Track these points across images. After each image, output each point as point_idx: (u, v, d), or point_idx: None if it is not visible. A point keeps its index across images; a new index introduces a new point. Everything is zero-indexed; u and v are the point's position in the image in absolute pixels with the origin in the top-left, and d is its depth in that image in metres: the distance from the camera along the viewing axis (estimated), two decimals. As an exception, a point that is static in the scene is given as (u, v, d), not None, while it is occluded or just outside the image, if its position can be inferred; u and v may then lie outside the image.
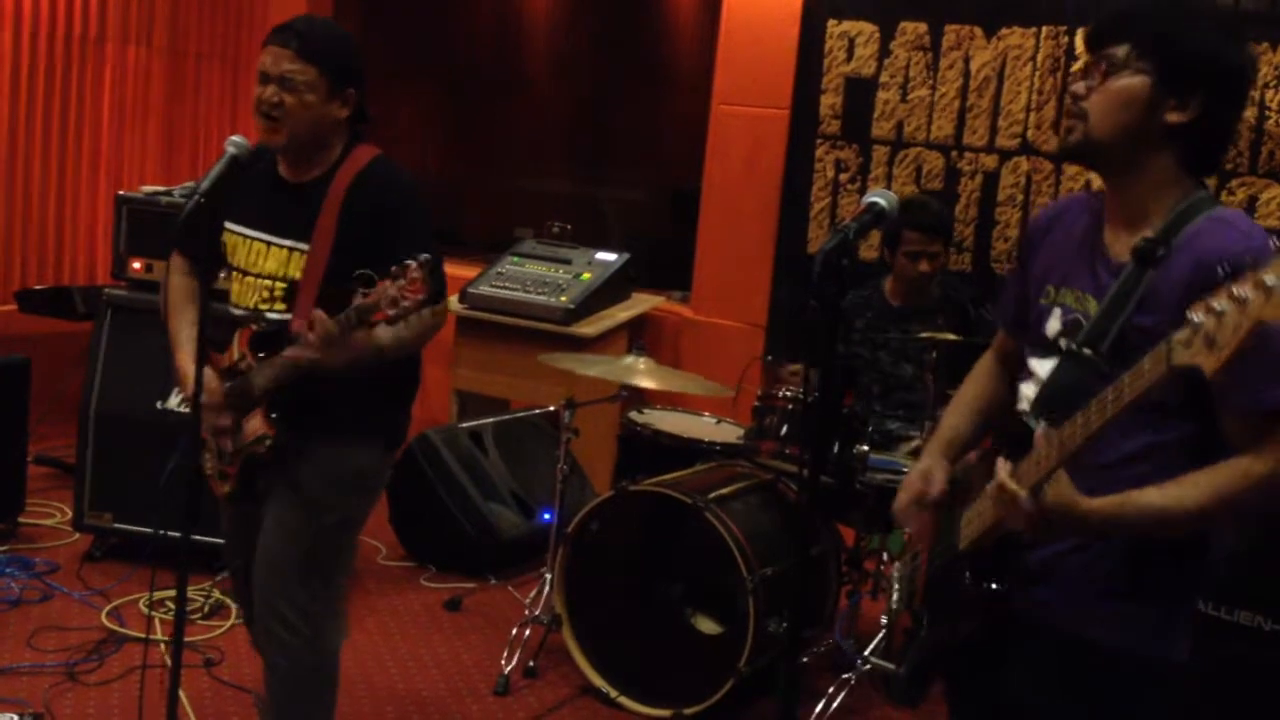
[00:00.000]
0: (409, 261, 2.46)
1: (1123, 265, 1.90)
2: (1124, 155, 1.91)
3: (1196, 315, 1.48)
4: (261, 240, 2.81)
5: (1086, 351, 1.85)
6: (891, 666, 3.73)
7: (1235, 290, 1.45)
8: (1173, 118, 1.88)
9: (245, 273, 2.83)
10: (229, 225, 2.86)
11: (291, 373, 2.71)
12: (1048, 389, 1.90)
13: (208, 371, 2.83)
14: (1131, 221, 1.93)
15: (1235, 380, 1.73)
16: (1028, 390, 1.96)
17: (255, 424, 2.80)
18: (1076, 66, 2.03)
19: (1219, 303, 1.46)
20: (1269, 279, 1.41)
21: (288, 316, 2.76)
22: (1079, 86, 1.93)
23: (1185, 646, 1.97)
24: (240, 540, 3.01)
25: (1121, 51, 1.89)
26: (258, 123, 2.78)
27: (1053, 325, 1.98)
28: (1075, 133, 1.94)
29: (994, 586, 1.96)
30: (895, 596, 2.22)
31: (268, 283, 2.80)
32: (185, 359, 2.87)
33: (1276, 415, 1.77)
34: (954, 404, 2.30)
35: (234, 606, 4.13)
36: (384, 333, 2.63)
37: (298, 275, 2.76)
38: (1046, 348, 1.96)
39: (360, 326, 2.55)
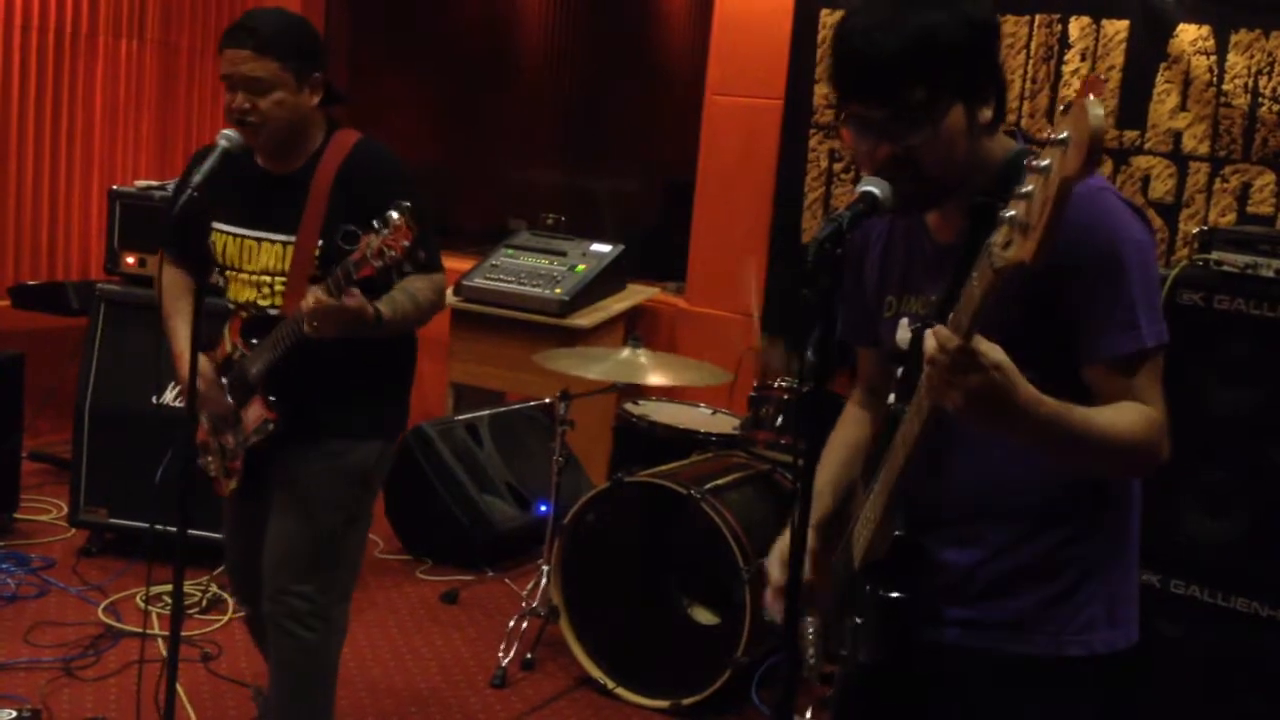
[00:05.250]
0: (391, 213, 2.41)
1: (953, 245, 1.82)
2: (961, 171, 1.79)
3: (1008, 211, 1.40)
4: (252, 238, 2.79)
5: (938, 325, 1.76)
6: None
7: (1034, 163, 1.36)
8: (986, 115, 1.77)
9: (238, 270, 2.81)
10: (216, 226, 2.82)
11: (287, 351, 2.68)
12: (907, 370, 1.79)
13: (205, 362, 2.83)
14: (954, 201, 1.81)
15: (1088, 330, 1.70)
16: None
17: (256, 411, 2.79)
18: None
19: (1024, 186, 1.37)
20: (1061, 134, 1.32)
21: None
22: (887, 150, 1.74)
23: (1132, 631, 1.89)
24: (241, 539, 3.01)
25: (920, 94, 1.70)
26: (234, 128, 2.72)
27: (902, 335, 1.90)
28: (924, 187, 1.77)
29: (895, 595, 1.85)
30: (811, 653, 2.10)
31: (267, 279, 2.78)
32: (183, 351, 2.86)
33: (1137, 357, 1.71)
34: (819, 468, 2.09)
35: (230, 601, 4.13)
36: (382, 304, 2.59)
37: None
38: (903, 359, 1.87)
39: (350, 284, 2.48)
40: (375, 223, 2.42)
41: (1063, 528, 1.84)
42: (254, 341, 2.77)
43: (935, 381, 1.53)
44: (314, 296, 2.50)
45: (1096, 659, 1.86)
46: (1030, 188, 1.37)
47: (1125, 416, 1.69)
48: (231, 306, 2.85)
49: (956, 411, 1.55)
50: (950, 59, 1.70)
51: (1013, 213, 1.39)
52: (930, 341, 1.52)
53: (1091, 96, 1.31)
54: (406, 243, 2.40)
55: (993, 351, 1.51)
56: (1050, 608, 1.85)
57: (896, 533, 1.84)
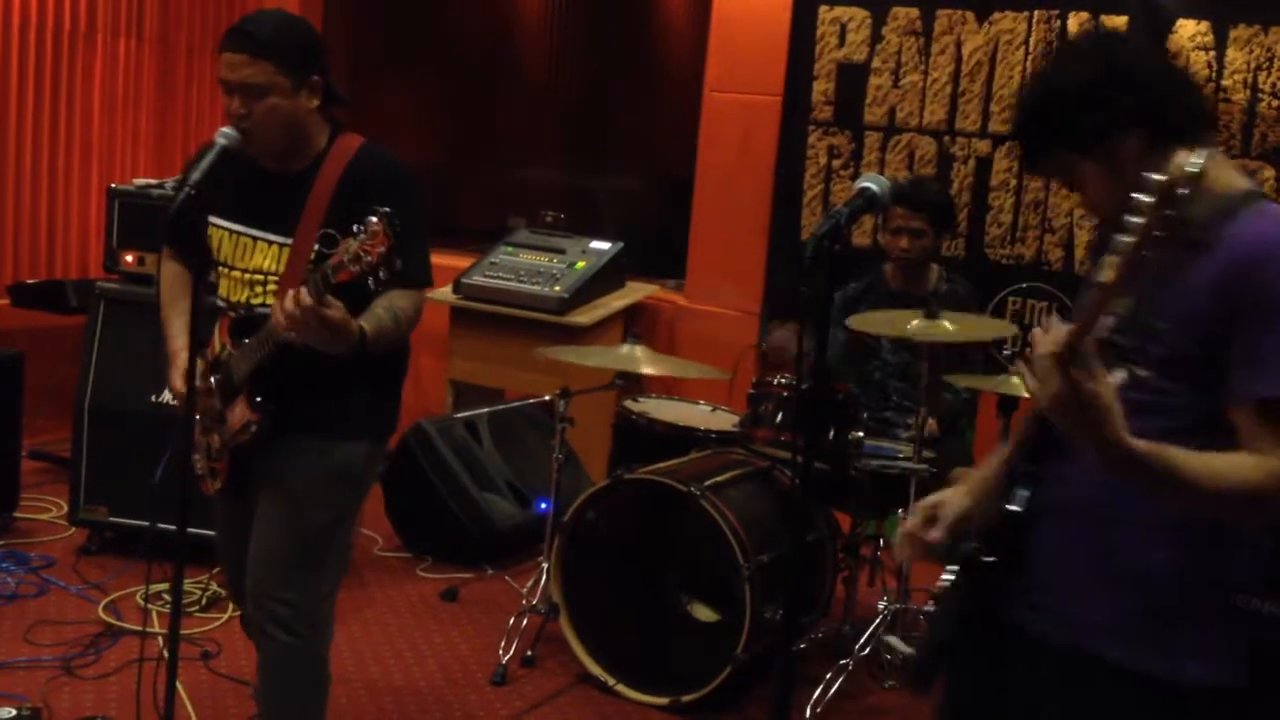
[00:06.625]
0: (370, 218, 2.40)
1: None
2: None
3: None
4: (248, 235, 2.77)
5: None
6: (906, 648, 3.61)
7: None
8: (1130, 146, 1.81)
9: (232, 268, 2.80)
10: (213, 220, 2.81)
11: (271, 352, 2.67)
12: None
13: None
14: None
15: (1237, 369, 1.68)
16: None
17: (240, 411, 2.79)
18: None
19: None
20: None
21: None
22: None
23: (1240, 669, 1.79)
24: (232, 538, 3.00)
25: (1047, 156, 1.91)
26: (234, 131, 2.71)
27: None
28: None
29: (988, 559, 1.91)
30: (898, 544, 2.07)
31: (260, 278, 2.76)
32: (178, 348, 2.85)
33: (1276, 404, 1.68)
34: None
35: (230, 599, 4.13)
36: (366, 320, 2.58)
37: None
38: None
39: (330, 287, 2.46)
40: (355, 227, 2.42)
41: (1180, 548, 1.80)
42: (242, 341, 2.76)
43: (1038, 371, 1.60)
44: (295, 297, 2.46)
45: (1179, 687, 1.80)
46: None
47: (1232, 461, 1.67)
48: (221, 304, 2.84)
49: (1048, 412, 1.61)
50: (1055, 126, 1.84)
51: None
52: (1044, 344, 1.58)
53: None
54: (382, 249, 2.39)
55: (1101, 386, 1.56)
56: (1142, 620, 1.81)
57: (1009, 508, 1.90)
